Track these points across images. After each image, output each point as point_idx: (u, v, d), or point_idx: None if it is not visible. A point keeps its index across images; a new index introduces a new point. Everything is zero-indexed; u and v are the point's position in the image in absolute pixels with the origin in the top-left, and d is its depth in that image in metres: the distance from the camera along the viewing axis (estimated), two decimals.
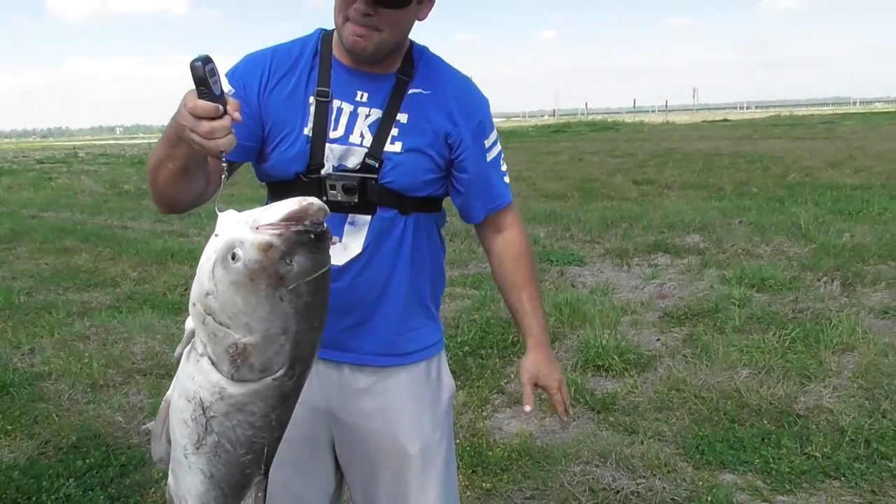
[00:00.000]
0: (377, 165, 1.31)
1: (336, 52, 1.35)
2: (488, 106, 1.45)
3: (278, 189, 1.36)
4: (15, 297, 5.30)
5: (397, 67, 1.35)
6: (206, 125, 0.99)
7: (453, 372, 1.64)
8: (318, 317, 0.93)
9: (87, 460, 2.82)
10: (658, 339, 3.88)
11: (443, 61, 1.43)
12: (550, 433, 2.98)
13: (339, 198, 1.31)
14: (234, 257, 0.85)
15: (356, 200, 1.31)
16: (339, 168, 1.32)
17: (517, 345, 3.87)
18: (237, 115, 1.03)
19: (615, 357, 3.55)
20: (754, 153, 14.91)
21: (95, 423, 3.14)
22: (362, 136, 1.32)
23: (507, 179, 1.49)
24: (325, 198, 1.30)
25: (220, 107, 0.99)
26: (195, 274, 0.91)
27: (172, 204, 1.29)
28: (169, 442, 1.00)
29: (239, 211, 0.93)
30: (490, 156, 1.43)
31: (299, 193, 1.33)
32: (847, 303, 4.34)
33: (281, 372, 0.90)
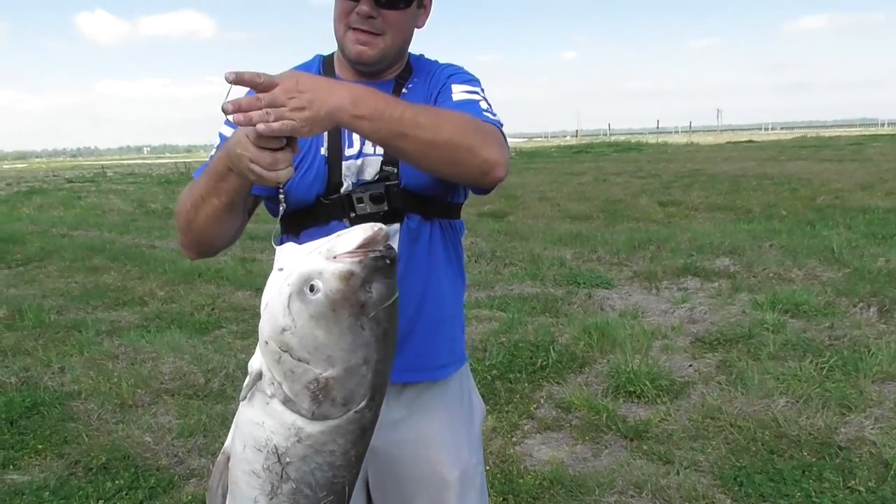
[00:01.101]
0: (395, 170, 1.29)
1: (339, 69, 1.36)
2: (461, 68, 1.40)
3: (298, 217, 1.34)
4: (46, 315, 5.36)
5: (396, 75, 1.36)
6: (269, 156, 0.97)
7: (482, 396, 1.61)
8: (393, 343, 0.92)
9: (117, 481, 2.81)
10: (690, 365, 3.80)
11: (430, 60, 1.43)
12: (582, 461, 2.92)
13: (369, 210, 1.29)
14: (312, 289, 0.84)
15: (386, 208, 1.29)
16: (359, 183, 1.30)
17: (546, 368, 3.83)
18: (296, 147, 1.02)
19: (647, 383, 3.48)
20: (782, 175, 14.73)
21: (124, 444, 3.14)
22: (375, 144, 1.30)
23: (491, 116, 1.27)
24: (353, 214, 1.29)
25: (283, 137, 0.98)
26: (259, 306, 0.89)
27: (209, 244, 1.27)
28: (225, 496, 0.96)
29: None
30: (458, 96, 1.29)
31: (322, 217, 1.34)
32: (885, 330, 4.23)
33: (363, 404, 0.88)
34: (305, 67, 1.40)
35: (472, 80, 1.37)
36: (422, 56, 1.43)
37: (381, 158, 1.31)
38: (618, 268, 6.28)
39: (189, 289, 6.21)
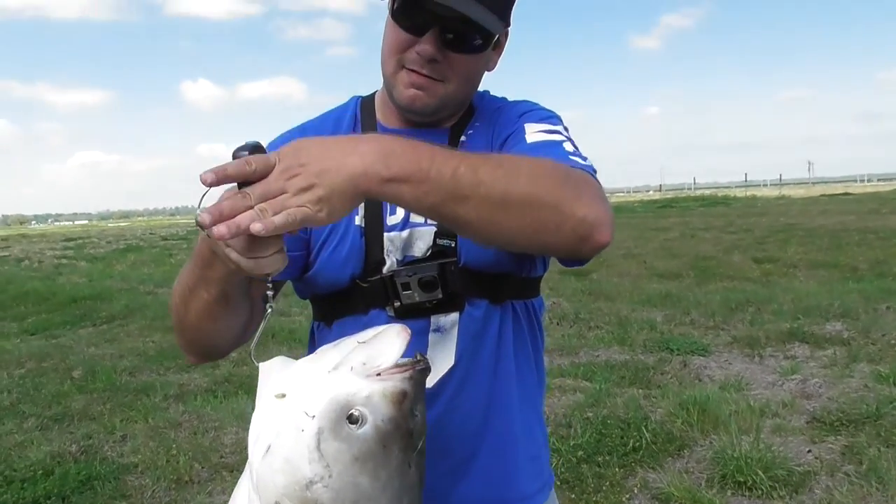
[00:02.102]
0: (452, 244, 0.99)
1: (381, 116, 1.10)
2: (536, 104, 1.09)
3: (329, 303, 1.07)
4: (118, 377, 5.30)
5: (454, 122, 1.08)
6: (246, 238, 0.71)
7: (566, 482, 1.25)
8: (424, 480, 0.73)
9: None
10: (809, 451, 3.28)
11: (495, 97, 1.13)
12: None
13: (418, 297, 1.00)
14: (355, 420, 0.65)
15: (440, 296, 0.99)
16: (406, 260, 1.01)
17: (640, 451, 3.38)
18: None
19: (759, 472, 2.99)
20: (887, 229, 13.67)
21: None
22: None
23: (581, 161, 0.93)
24: (397, 302, 1.00)
25: None
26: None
27: (208, 346, 1.00)
28: None
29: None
30: (534, 137, 0.98)
31: (359, 304, 1.00)
32: None
33: None
34: (339, 113, 1.13)
35: (551, 116, 1.05)
36: (486, 93, 1.14)
37: (433, 229, 1.01)
38: (714, 332, 5.74)
39: (261, 350, 6.04)
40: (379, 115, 1.10)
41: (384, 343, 0.71)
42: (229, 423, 4.15)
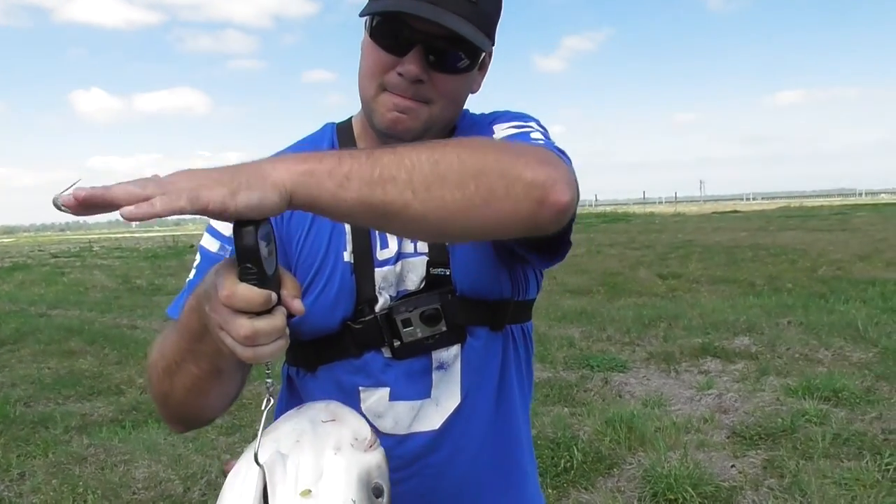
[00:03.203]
0: (447, 273, 0.94)
1: (361, 140, 1.03)
2: (511, 110, 1.04)
3: (315, 348, 0.97)
4: (11, 408, 4.88)
5: (436, 136, 0.99)
6: (245, 325, 0.62)
7: None
8: None
9: None
10: (733, 466, 3.39)
11: (480, 115, 1.07)
12: None
13: (420, 334, 0.93)
14: (379, 492, 0.66)
15: (444, 329, 0.94)
16: (400, 295, 0.95)
17: (571, 471, 3.40)
18: (298, 306, 0.66)
19: (689, 489, 3.06)
20: (775, 245, 14.58)
21: None
22: (415, 242, 0.96)
23: (543, 142, 0.91)
24: (396, 341, 0.93)
25: (273, 294, 0.63)
26: None
27: (196, 418, 0.91)
28: None
29: None
30: (502, 133, 0.96)
31: (351, 348, 0.93)
32: None
33: None
34: (314, 142, 1.04)
35: (521, 115, 1.00)
36: (466, 112, 1.07)
37: (425, 259, 0.95)
38: (630, 348, 5.90)
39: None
40: (359, 143, 1.02)
41: (352, 417, 0.72)
42: (140, 455, 3.89)
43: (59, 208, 0.56)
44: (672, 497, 3.05)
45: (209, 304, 0.66)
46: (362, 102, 0.97)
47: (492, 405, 1.00)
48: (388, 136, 0.95)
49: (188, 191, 0.57)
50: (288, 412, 0.75)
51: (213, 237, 0.97)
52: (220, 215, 0.58)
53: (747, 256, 12.80)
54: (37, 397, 5.25)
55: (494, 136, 0.95)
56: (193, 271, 0.97)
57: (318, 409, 0.71)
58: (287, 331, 0.65)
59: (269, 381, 0.69)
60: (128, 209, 0.55)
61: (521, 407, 1.05)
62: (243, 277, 0.62)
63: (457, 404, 0.97)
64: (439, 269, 0.94)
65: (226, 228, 0.96)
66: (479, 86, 1.00)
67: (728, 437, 3.77)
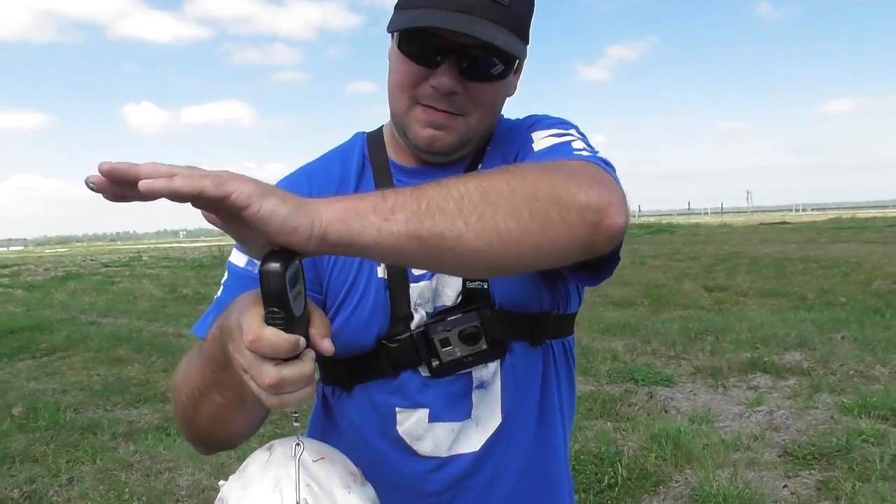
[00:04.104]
0: (485, 286, 0.90)
1: (392, 152, 1.00)
2: (547, 115, 1.00)
3: (349, 367, 0.95)
4: (62, 414, 4.99)
5: (470, 150, 0.97)
6: (271, 374, 0.59)
7: None
8: None
9: None
10: (785, 486, 3.26)
11: (515, 119, 1.03)
12: None
13: (459, 353, 0.90)
14: None
15: (484, 347, 0.90)
16: (437, 311, 0.91)
17: (615, 488, 3.32)
18: (327, 346, 0.64)
19: None
20: (827, 258, 14.14)
21: None
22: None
23: (587, 154, 0.87)
24: (435, 361, 0.90)
25: (302, 339, 0.61)
26: None
27: (221, 442, 0.89)
28: None
29: None
30: (542, 144, 0.91)
31: (386, 367, 0.89)
32: None
33: None
34: (344, 152, 1.01)
35: (560, 122, 0.96)
36: (502, 118, 1.03)
37: None
38: (675, 362, 5.76)
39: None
40: (390, 153, 1.00)
41: (335, 452, 0.72)
42: (184, 463, 3.93)
43: (89, 187, 0.54)
44: None
45: (232, 343, 0.64)
46: (394, 116, 0.94)
47: (533, 423, 0.97)
48: (426, 153, 0.92)
49: (217, 175, 0.55)
50: (265, 456, 0.70)
51: (241, 251, 0.94)
52: (242, 210, 0.55)
53: (797, 269, 12.45)
54: (86, 404, 5.37)
55: (534, 144, 0.91)
56: (221, 288, 0.95)
57: (301, 449, 0.68)
58: (316, 377, 0.64)
59: (296, 424, 0.67)
60: (145, 181, 0.53)
61: (561, 424, 1.01)
62: (269, 321, 0.59)
63: (497, 424, 0.94)
64: (476, 283, 0.91)
65: None
66: (515, 88, 0.97)
67: (779, 457, 3.64)
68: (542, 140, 0.91)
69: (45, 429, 4.69)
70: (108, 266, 25.74)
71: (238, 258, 0.95)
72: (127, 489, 3.57)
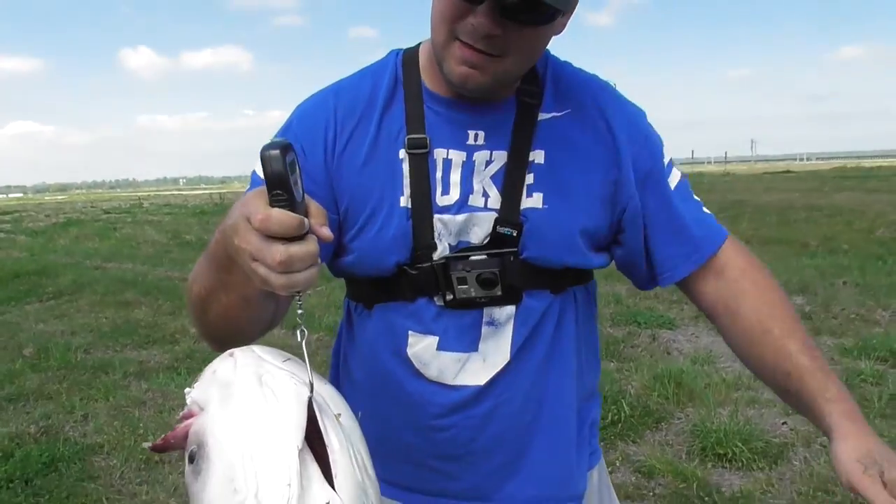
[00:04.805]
0: (515, 234, 0.91)
1: (427, 78, 0.96)
2: (639, 110, 1.03)
3: (371, 286, 0.97)
4: (72, 354, 5.07)
5: (517, 87, 0.95)
6: (280, 251, 0.62)
7: None
8: None
9: None
10: (784, 423, 3.34)
11: (571, 65, 1.02)
12: None
13: (474, 293, 0.91)
14: None
15: (499, 293, 0.92)
16: (460, 246, 0.92)
17: (619, 424, 3.39)
18: (326, 233, 0.67)
19: (739, 444, 3.03)
20: (831, 206, 14.13)
21: None
22: (485, 194, 0.92)
23: (706, 210, 1.02)
24: (449, 294, 0.91)
25: (305, 220, 0.64)
26: None
27: (233, 339, 0.88)
28: None
29: None
30: (673, 181, 0.99)
31: (406, 291, 0.91)
32: None
33: None
34: (376, 72, 0.98)
35: (660, 141, 1.02)
36: (549, 55, 0.99)
37: (494, 215, 0.91)
38: (678, 306, 5.81)
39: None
40: (424, 77, 0.96)
41: (300, 362, 0.67)
42: None
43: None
44: (721, 451, 3.03)
45: (237, 236, 0.66)
46: (433, 44, 0.91)
47: (543, 366, 0.97)
48: (458, 89, 0.90)
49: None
50: (230, 362, 0.68)
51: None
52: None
53: (801, 217, 12.45)
54: (96, 345, 5.44)
55: (670, 184, 0.98)
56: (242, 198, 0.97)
57: (264, 354, 0.67)
58: (319, 259, 0.65)
59: (300, 311, 0.68)
60: None
61: (577, 367, 1.02)
62: (274, 203, 0.62)
63: (505, 363, 0.95)
64: (506, 229, 0.91)
65: None
66: (564, 27, 0.91)
67: None
68: (674, 182, 0.99)
69: (57, 368, 4.77)
70: (109, 213, 25.73)
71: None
72: (141, 424, 3.65)
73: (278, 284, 0.63)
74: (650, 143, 0.99)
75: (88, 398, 4.17)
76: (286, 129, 0.97)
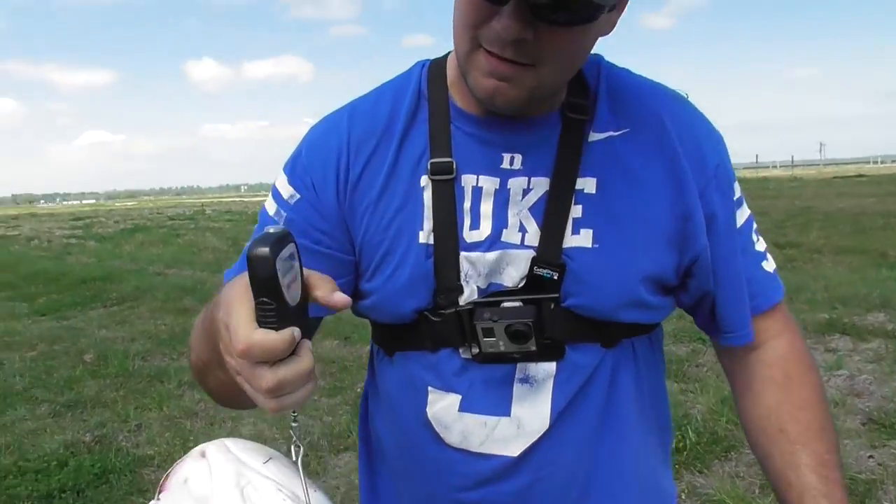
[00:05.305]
0: (556, 277, 0.76)
1: (456, 93, 0.81)
2: (717, 134, 0.85)
3: (392, 331, 0.84)
4: (130, 362, 5.14)
5: (561, 101, 0.80)
6: (267, 378, 0.54)
7: None
8: None
9: None
10: (871, 457, 3.06)
11: (631, 74, 0.85)
12: None
13: (503, 348, 0.76)
14: None
15: (533, 349, 0.77)
16: (491, 290, 0.77)
17: (684, 451, 3.18)
18: (338, 301, 0.59)
19: None
20: None
21: None
22: (522, 228, 0.77)
23: (770, 265, 0.87)
24: (476, 349, 0.77)
25: (296, 331, 0.53)
26: None
27: (239, 406, 0.82)
28: None
29: None
30: (740, 220, 0.83)
31: (426, 340, 0.81)
32: None
33: None
34: (398, 88, 0.84)
35: (734, 178, 0.85)
36: (601, 59, 0.83)
37: (532, 253, 0.76)
38: None
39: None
40: (453, 92, 0.81)
41: (280, 456, 0.67)
42: (247, 413, 3.97)
43: None
44: None
45: (221, 342, 0.58)
46: (456, 55, 0.75)
47: (592, 433, 0.81)
48: (487, 105, 0.75)
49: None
50: (203, 465, 0.64)
51: (273, 198, 0.84)
52: None
53: (877, 224, 11.84)
54: (153, 352, 5.51)
55: (737, 227, 0.82)
56: (251, 240, 0.86)
57: (243, 454, 0.63)
58: (315, 374, 0.57)
59: (294, 424, 0.61)
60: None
61: (640, 431, 0.85)
62: (261, 317, 0.52)
63: (544, 430, 0.79)
64: (545, 271, 0.76)
65: (283, 187, 0.83)
66: (613, 26, 0.75)
67: (863, 424, 3.42)
68: (739, 215, 0.83)
69: (115, 375, 4.83)
70: (173, 219, 26.49)
71: (271, 205, 0.84)
72: (192, 437, 3.64)
73: (268, 408, 0.56)
74: (722, 175, 0.81)
75: (143, 407, 4.19)
76: (294, 160, 0.85)
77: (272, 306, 0.51)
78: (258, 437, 3.61)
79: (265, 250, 0.50)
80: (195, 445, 2.53)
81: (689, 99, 0.87)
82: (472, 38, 0.69)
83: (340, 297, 0.58)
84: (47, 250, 15.24)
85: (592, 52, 0.77)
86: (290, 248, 0.52)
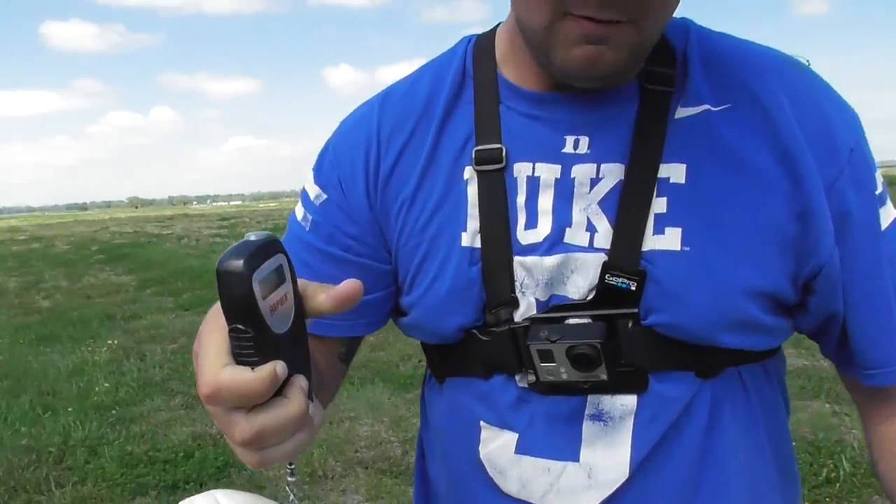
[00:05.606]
0: (633, 287, 0.60)
1: (508, 70, 0.67)
2: (858, 119, 0.65)
3: (440, 353, 0.71)
4: None
5: (638, 69, 0.63)
6: (242, 428, 0.43)
7: None
8: None
9: None
10: None
11: (731, 37, 0.67)
12: None
13: (566, 376, 0.61)
14: None
15: (604, 378, 0.61)
16: (553, 303, 0.63)
17: (836, 483, 2.83)
18: (350, 290, 0.47)
19: None
20: None
21: None
22: (591, 227, 0.62)
23: None
24: (533, 376, 0.62)
25: (280, 365, 0.42)
26: None
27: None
28: None
29: None
30: (885, 222, 0.63)
31: (475, 365, 0.67)
32: None
33: None
34: (439, 68, 0.71)
35: (874, 168, 0.64)
36: (690, 23, 0.67)
37: (602, 257, 0.61)
38: None
39: (398, 335, 5.93)
40: (503, 69, 0.67)
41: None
42: (364, 413, 4.00)
43: None
44: None
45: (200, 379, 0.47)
46: (527, 32, 0.60)
47: (682, 485, 0.64)
48: (582, 80, 0.59)
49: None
50: None
51: (301, 200, 0.74)
52: None
53: None
54: None
55: (879, 221, 0.62)
56: (296, 208, 0.75)
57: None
58: (311, 415, 0.46)
59: (291, 479, 0.54)
60: None
61: (745, 485, 0.66)
62: (236, 349, 0.41)
63: (622, 480, 0.63)
64: (620, 280, 0.60)
65: (311, 187, 0.72)
66: None
67: None
68: (883, 217, 0.63)
69: None
70: None
71: (299, 208, 0.73)
72: None
73: (250, 463, 0.46)
74: (858, 162, 0.62)
75: None
76: (322, 156, 0.74)
77: (248, 334, 0.40)
78: (374, 438, 3.60)
79: (237, 263, 0.39)
80: (313, 446, 2.49)
81: (812, 67, 0.67)
82: (555, 6, 0.55)
83: (345, 284, 0.47)
84: (195, 248, 16.38)
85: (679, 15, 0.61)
86: (276, 261, 0.41)
